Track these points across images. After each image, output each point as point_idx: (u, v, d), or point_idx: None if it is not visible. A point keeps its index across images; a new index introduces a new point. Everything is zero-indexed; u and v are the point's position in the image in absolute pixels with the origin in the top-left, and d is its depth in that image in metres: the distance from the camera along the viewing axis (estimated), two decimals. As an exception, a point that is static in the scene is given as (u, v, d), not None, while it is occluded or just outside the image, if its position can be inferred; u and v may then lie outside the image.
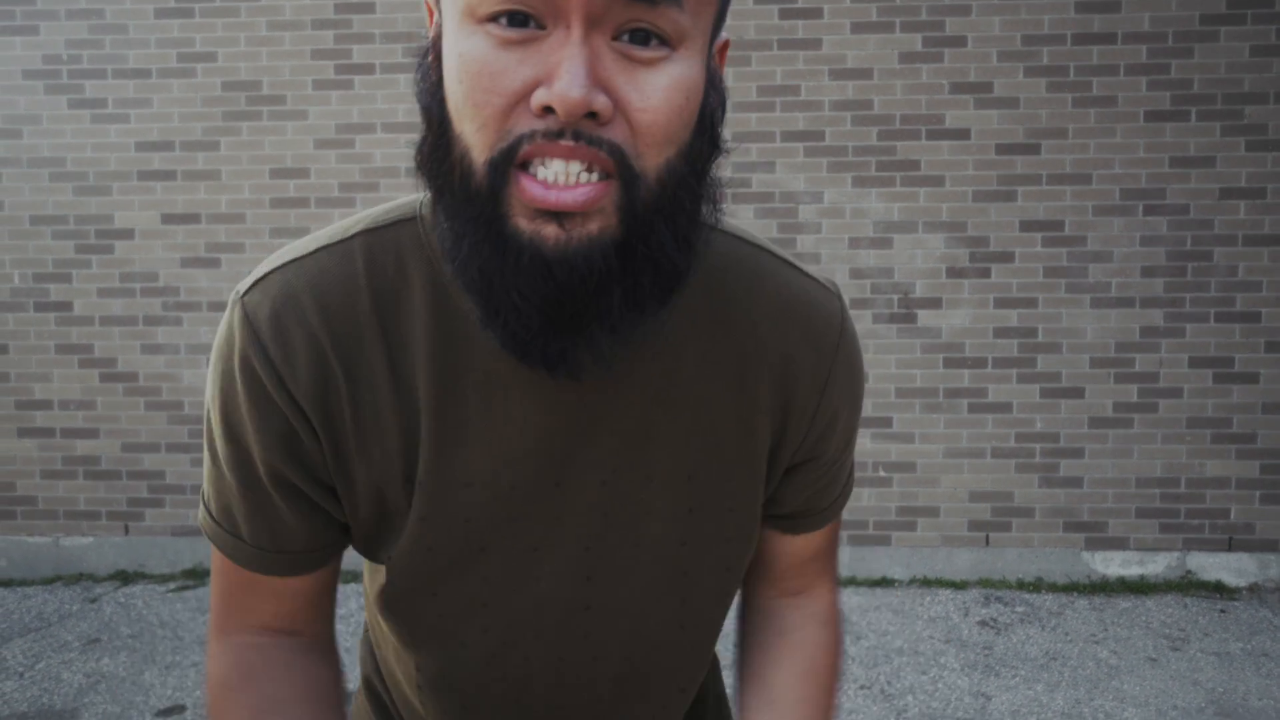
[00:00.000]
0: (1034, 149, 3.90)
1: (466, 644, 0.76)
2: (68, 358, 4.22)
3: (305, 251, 0.69)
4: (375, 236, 0.69)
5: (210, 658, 0.75)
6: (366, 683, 0.94)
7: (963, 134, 3.91)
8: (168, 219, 4.16)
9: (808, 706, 0.79)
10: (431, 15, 0.63)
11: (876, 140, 3.94)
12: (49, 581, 4.21)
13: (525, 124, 0.55)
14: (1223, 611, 3.69)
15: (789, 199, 3.98)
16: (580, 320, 0.58)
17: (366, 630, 0.93)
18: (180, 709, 2.97)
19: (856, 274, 3.98)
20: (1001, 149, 3.91)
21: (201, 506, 0.75)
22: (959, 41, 3.89)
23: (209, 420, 0.71)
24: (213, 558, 0.75)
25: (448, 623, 0.75)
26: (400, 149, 4.05)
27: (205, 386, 0.72)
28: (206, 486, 0.74)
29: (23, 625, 3.69)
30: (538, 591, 0.74)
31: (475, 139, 0.56)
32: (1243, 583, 3.95)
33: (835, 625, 0.86)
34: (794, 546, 0.83)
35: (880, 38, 3.90)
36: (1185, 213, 3.88)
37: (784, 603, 0.85)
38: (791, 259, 0.77)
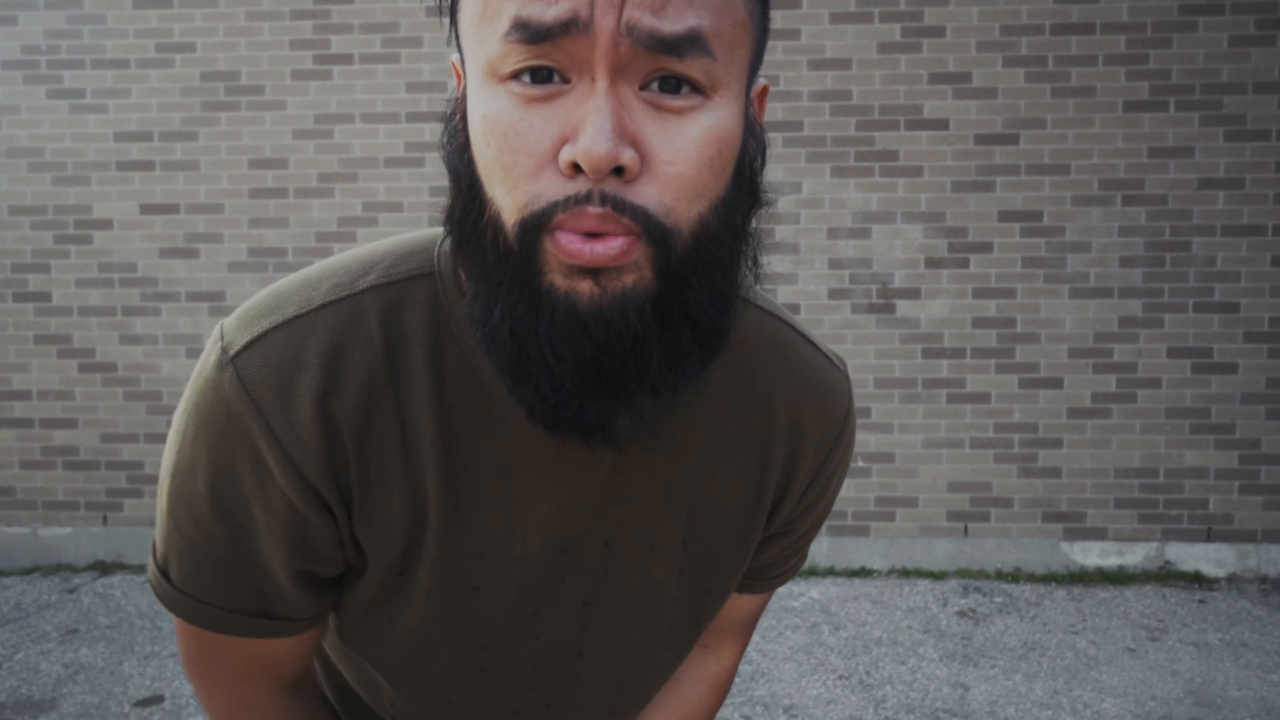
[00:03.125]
0: (1013, 139, 3.90)
1: (454, 702, 0.76)
2: (46, 348, 4.22)
3: (310, 307, 0.63)
4: (389, 294, 0.64)
5: None
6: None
7: (941, 124, 3.91)
8: (146, 209, 4.15)
9: None
10: (459, 78, 0.61)
11: (855, 130, 3.94)
12: (27, 572, 4.20)
13: (556, 189, 0.53)
14: (1201, 602, 3.69)
15: (767, 189, 3.97)
16: (618, 382, 0.56)
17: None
18: (159, 699, 2.96)
19: (835, 264, 3.98)
20: (980, 139, 3.91)
21: (162, 583, 0.68)
22: (937, 32, 3.89)
23: (181, 487, 0.64)
24: (191, 638, 0.70)
25: (439, 684, 0.74)
26: (379, 139, 4.04)
27: (170, 448, 0.66)
28: (173, 557, 0.67)
29: (1, 616, 3.68)
30: (535, 648, 0.74)
31: (505, 201, 0.54)
32: (1221, 573, 3.95)
33: (722, 691, 0.89)
34: (730, 604, 0.84)
35: (859, 28, 3.90)
36: (1164, 203, 3.88)
37: (693, 666, 0.88)
38: (809, 334, 0.77)
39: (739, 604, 0.85)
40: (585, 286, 0.53)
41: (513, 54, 0.52)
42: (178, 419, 0.64)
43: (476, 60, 0.55)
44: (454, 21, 0.59)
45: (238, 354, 0.61)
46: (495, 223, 0.55)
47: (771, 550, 0.80)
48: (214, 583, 0.66)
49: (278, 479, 0.61)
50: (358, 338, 0.62)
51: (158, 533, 0.67)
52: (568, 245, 0.52)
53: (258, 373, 0.61)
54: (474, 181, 0.56)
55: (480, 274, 0.57)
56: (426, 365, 0.63)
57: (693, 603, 0.76)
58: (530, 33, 0.51)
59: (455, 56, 0.61)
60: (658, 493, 0.70)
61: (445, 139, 0.60)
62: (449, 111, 0.61)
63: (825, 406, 0.75)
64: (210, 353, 0.63)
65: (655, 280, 0.54)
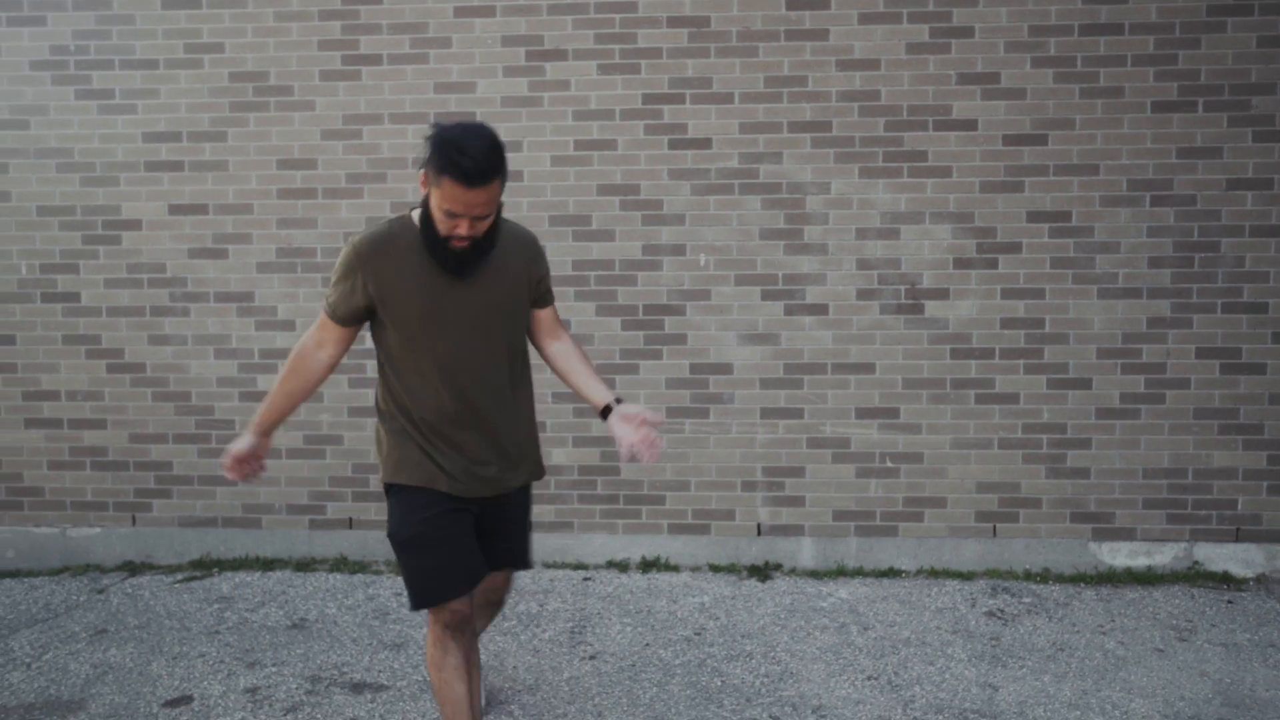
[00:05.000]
0: (1041, 140, 3.90)
1: (460, 357, 2.20)
2: (75, 349, 4.23)
3: (375, 227, 2.19)
4: (394, 222, 2.20)
5: (305, 342, 2.25)
6: (401, 429, 2.28)
7: (970, 125, 3.91)
8: (175, 210, 4.16)
9: (587, 370, 2.36)
10: (424, 184, 2.08)
11: (884, 131, 3.94)
12: (56, 572, 4.22)
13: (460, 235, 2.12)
14: (1230, 602, 3.69)
15: (796, 190, 3.98)
16: (465, 266, 2.15)
17: (386, 407, 2.31)
18: (188, 699, 2.97)
19: (864, 265, 3.98)
20: (1009, 140, 3.91)
21: (325, 302, 2.20)
22: (966, 32, 3.89)
23: (340, 273, 2.16)
24: (323, 320, 2.23)
25: (440, 354, 2.18)
26: (407, 140, 4.05)
27: (336, 267, 2.17)
28: (331, 296, 2.19)
29: (30, 616, 3.69)
30: (461, 331, 2.19)
31: (441, 233, 2.09)
32: (1250, 573, 3.95)
33: (577, 344, 2.41)
34: (543, 314, 2.39)
35: (887, 28, 3.90)
36: (1192, 204, 3.88)
37: (554, 346, 2.40)
38: (509, 220, 2.34)
39: (546, 314, 2.39)
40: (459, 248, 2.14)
41: (448, 211, 2.06)
42: (339, 261, 2.19)
43: (435, 196, 2.05)
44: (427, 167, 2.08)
45: (357, 238, 2.18)
46: (439, 236, 2.10)
47: (539, 288, 2.33)
48: (338, 303, 2.18)
49: (359, 274, 2.14)
50: (385, 231, 2.17)
51: (329, 294, 2.20)
52: (456, 245, 2.14)
53: (361, 241, 2.16)
54: (432, 224, 2.09)
55: (428, 238, 2.12)
56: (407, 242, 2.15)
57: (511, 320, 2.27)
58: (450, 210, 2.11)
59: (423, 171, 2.07)
60: (487, 287, 2.20)
61: (423, 209, 2.13)
62: (425, 196, 2.10)
63: (525, 236, 2.33)
64: (351, 242, 2.19)
65: (471, 245, 2.14)
